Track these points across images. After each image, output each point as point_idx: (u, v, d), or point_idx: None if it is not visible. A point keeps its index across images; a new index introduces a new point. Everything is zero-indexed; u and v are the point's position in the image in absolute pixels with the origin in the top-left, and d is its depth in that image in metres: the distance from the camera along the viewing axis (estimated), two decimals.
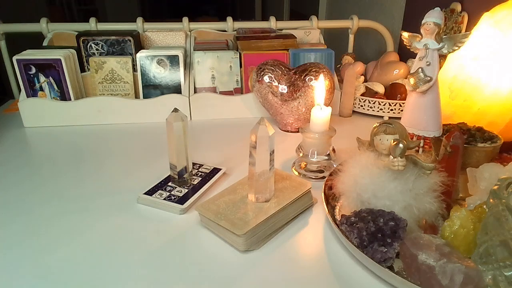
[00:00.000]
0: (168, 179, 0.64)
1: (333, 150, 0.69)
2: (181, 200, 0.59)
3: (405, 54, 1.01)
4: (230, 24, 1.14)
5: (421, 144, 0.65)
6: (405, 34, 0.62)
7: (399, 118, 0.64)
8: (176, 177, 0.62)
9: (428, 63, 0.58)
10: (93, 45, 0.96)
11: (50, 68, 0.88)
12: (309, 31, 1.13)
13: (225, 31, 1.15)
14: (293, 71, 0.86)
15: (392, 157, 0.48)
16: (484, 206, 0.45)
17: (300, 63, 0.94)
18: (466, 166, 0.56)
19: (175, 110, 0.59)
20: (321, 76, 0.78)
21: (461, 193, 0.57)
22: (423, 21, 0.57)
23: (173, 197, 0.59)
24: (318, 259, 0.49)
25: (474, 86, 0.70)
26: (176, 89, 0.95)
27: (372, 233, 0.46)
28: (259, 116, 0.85)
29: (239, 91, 0.99)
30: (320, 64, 0.86)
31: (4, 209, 0.59)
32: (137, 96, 0.96)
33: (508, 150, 0.65)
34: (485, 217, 0.43)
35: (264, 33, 1.07)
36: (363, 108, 0.98)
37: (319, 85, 0.68)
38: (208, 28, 1.13)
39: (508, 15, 0.68)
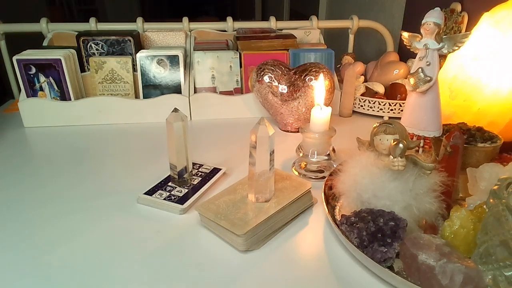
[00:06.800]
0: (168, 179, 0.64)
1: (333, 150, 0.69)
2: (181, 200, 0.59)
3: (405, 54, 1.01)
4: (230, 24, 1.14)
5: (421, 144, 0.65)
6: (405, 34, 0.62)
7: (399, 118, 0.64)
8: (176, 177, 0.62)
9: (428, 63, 0.58)
10: (93, 45, 0.96)
11: (50, 68, 0.88)
12: (309, 31, 1.13)
13: (225, 31, 1.15)
14: (293, 71, 0.86)
15: (392, 157, 0.48)
16: (484, 206, 0.45)
17: (300, 63, 0.94)
18: (466, 166, 0.56)
19: (175, 110, 0.59)
20: (321, 76, 0.78)
21: (461, 193, 0.57)
22: (423, 21, 0.57)
23: (173, 197, 0.59)
24: (318, 259, 0.49)
25: (474, 86, 0.70)
26: (176, 89, 0.95)
27: (372, 233, 0.46)
28: (259, 116, 0.85)
29: (239, 91, 0.99)
30: (320, 64, 0.86)
31: (4, 209, 0.59)
32: (137, 96, 0.96)
33: (508, 150, 0.65)
34: (485, 217, 0.43)
35: (264, 33, 1.07)
36: (363, 108, 0.98)
37: (319, 85, 0.68)
38: (208, 28, 1.13)
39: (508, 15, 0.68)
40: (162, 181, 0.64)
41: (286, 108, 0.85)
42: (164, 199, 0.59)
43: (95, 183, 0.67)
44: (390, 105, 0.94)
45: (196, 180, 0.64)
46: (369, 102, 0.96)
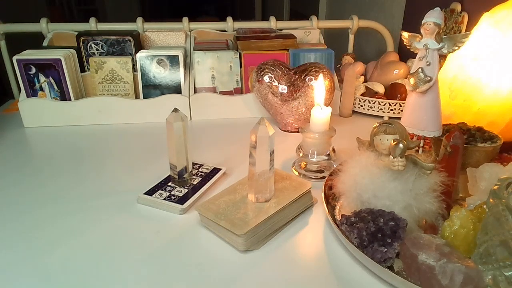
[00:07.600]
0: (168, 179, 0.64)
1: (333, 150, 0.69)
2: (181, 200, 0.59)
3: (405, 54, 1.01)
4: (230, 24, 1.14)
5: (421, 144, 0.65)
6: (405, 34, 0.62)
7: (399, 118, 0.64)
8: (176, 177, 0.62)
9: (428, 63, 0.58)
10: (93, 45, 0.96)
11: (50, 68, 0.88)
12: (309, 31, 1.13)
13: (225, 31, 1.15)
14: (293, 71, 0.86)
15: (392, 157, 0.48)
16: (484, 206, 0.45)
17: (300, 63, 0.94)
18: (466, 166, 0.56)
19: (175, 110, 0.59)
20: (321, 76, 0.78)
21: (461, 193, 0.57)
22: (423, 21, 0.57)
23: (173, 197, 0.59)
24: (318, 259, 0.49)
25: (474, 86, 0.70)
26: (176, 89, 0.95)
27: (372, 233, 0.46)
28: (259, 116, 0.85)
29: (239, 91, 0.99)
30: (320, 64, 0.86)
31: (4, 209, 0.59)
32: (137, 96, 0.96)
33: (508, 150, 0.65)
34: (485, 217, 0.43)
35: (264, 33, 1.07)
36: (363, 108, 0.98)
37: (319, 85, 0.68)
38: (208, 28, 1.13)
39: (508, 15, 0.68)
40: (162, 181, 0.64)
41: (286, 108, 0.85)
42: (164, 199, 0.59)
43: (95, 183, 0.67)
44: (390, 105, 0.94)
45: (196, 180, 0.64)
46: (369, 102, 0.96)
